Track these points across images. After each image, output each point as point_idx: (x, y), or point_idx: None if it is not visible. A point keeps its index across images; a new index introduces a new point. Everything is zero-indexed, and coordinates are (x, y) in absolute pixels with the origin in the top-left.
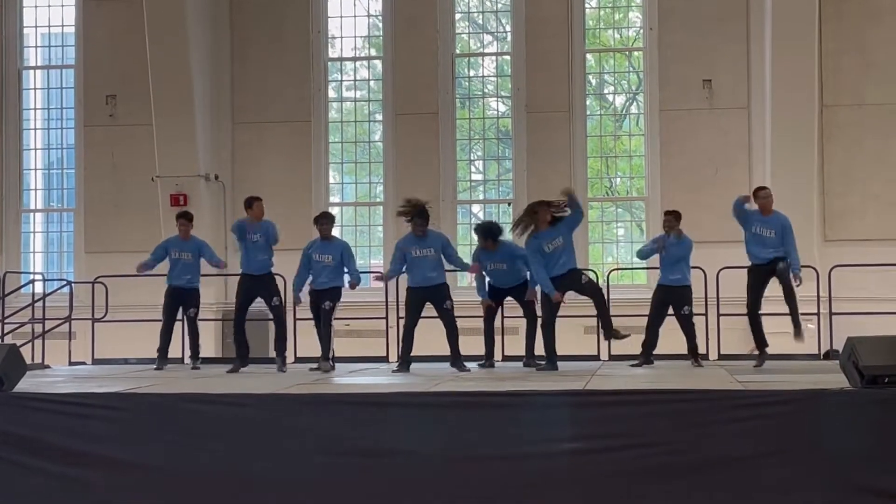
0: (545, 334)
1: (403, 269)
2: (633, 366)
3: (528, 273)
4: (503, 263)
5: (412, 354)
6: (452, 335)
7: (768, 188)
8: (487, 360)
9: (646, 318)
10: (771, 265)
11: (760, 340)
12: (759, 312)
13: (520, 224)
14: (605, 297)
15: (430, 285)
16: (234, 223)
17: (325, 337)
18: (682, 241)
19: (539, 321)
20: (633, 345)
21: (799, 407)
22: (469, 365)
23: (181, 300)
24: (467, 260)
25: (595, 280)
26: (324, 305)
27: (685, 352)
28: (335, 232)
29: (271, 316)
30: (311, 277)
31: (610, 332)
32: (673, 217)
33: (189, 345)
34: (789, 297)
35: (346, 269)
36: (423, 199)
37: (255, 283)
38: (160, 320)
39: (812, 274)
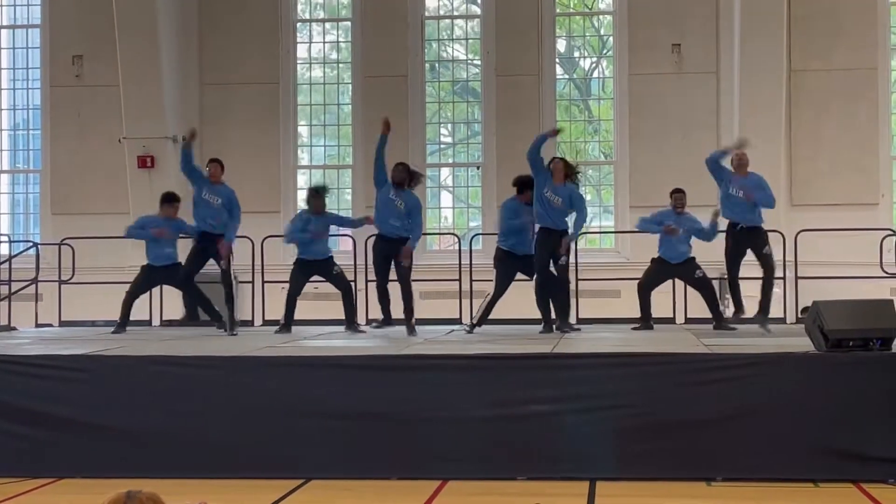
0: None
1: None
2: (634, 329)
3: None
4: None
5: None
6: (406, 295)
7: (744, 152)
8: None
9: (611, 283)
10: (748, 234)
11: (738, 303)
12: (738, 277)
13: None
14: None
15: (392, 236)
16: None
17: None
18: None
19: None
20: (603, 309)
21: (764, 370)
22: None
23: (163, 279)
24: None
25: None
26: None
27: (656, 315)
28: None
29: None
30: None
31: (564, 322)
32: (683, 195)
33: (203, 309)
34: (767, 283)
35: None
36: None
37: (210, 245)
38: (127, 282)
39: (778, 238)
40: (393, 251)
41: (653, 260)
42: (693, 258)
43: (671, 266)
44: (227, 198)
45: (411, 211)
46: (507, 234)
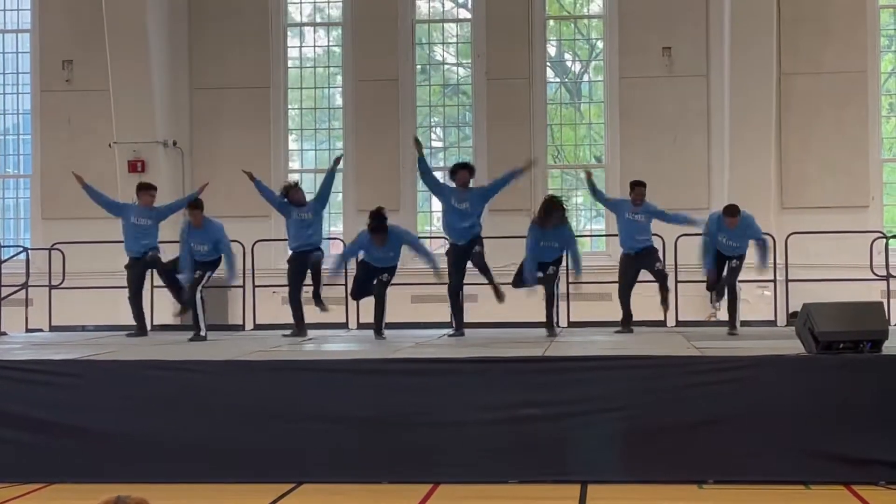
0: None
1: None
2: (616, 332)
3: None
4: (467, 203)
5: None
6: (379, 306)
7: (737, 213)
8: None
9: (602, 286)
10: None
11: (719, 288)
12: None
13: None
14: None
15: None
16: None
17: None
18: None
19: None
20: (594, 312)
21: (755, 373)
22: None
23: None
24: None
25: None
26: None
27: (647, 318)
28: None
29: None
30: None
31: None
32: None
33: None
34: (731, 295)
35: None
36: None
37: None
38: (118, 287)
39: (769, 241)
40: (376, 274)
41: (620, 260)
42: (651, 248)
43: (633, 257)
44: (213, 242)
45: (396, 247)
46: (445, 226)
